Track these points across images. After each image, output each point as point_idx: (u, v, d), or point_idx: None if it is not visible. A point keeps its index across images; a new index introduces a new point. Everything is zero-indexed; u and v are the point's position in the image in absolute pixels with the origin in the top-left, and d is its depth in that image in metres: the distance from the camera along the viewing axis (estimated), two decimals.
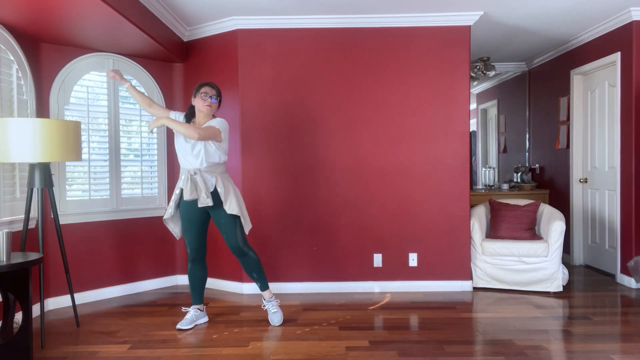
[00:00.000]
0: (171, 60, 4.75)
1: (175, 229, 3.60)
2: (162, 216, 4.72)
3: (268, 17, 4.35)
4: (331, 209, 4.51)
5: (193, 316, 3.61)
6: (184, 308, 3.79)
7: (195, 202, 3.44)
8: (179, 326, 3.54)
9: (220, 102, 3.55)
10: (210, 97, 3.47)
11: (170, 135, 4.79)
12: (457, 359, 2.94)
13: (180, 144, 3.44)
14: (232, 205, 3.43)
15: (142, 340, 3.33)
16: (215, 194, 3.44)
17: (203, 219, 3.53)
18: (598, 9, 4.37)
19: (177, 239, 3.89)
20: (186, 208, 3.49)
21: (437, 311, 3.90)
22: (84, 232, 4.24)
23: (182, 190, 3.48)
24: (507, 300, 4.18)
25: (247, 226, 3.55)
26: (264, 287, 3.64)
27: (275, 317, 3.62)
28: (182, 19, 4.41)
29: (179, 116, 3.58)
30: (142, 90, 4.57)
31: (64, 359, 3.01)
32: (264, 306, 3.69)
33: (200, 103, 3.46)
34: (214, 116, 3.56)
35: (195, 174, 3.39)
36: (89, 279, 4.30)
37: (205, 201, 3.35)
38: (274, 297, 3.74)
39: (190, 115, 3.57)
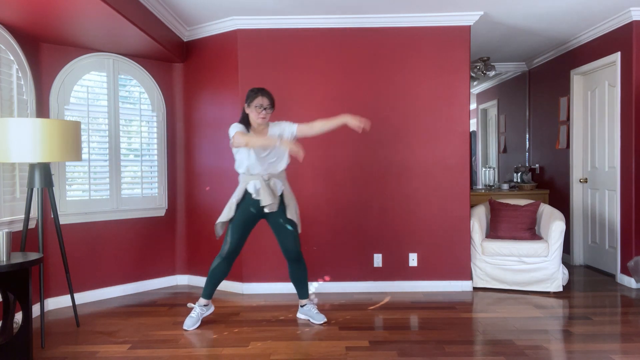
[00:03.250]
0: (171, 60, 4.75)
1: (220, 230, 3.55)
2: (162, 216, 4.74)
3: (268, 17, 4.35)
4: (331, 208, 4.51)
5: (199, 314, 3.60)
6: (189, 304, 3.71)
7: (257, 205, 3.45)
8: (185, 327, 3.52)
9: (273, 107, 3.50)
10: (265, 108, 3.42)
11: (170, 135, 4.79)
12: (457, 359, 2.94)
13: (258, 151, 3.41)
14: (293, 211, 3.50)
15: (142, 340, 3.33)
16: (280, 199, 3.49)
17: (255, 223, 3.55)
18: (598, 9, 4.37)
19: (217, 238, 3.65)
20: (245, 210, 3.47)
21: (437, 311, 3.90)
22: (84, 232, 4.24)
23: (244, 195, 3.46)
24: (507, 300, 4.18)
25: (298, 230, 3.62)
26: (306, 294, 3.70)
27: (319, 316, 3.64)
28: (182, 19, 4.41)
29: (239, 127, 3.42)
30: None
31: (64, 359, 3.02)
32: (301, 313, 3.71)
33: (255, 116, 3.42)
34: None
35: (268, 179, 3.43)
36: (89, 279, 4.30)
37: (275, 206, 3.42)
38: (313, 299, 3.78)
39: (245, 123, 3.46)
